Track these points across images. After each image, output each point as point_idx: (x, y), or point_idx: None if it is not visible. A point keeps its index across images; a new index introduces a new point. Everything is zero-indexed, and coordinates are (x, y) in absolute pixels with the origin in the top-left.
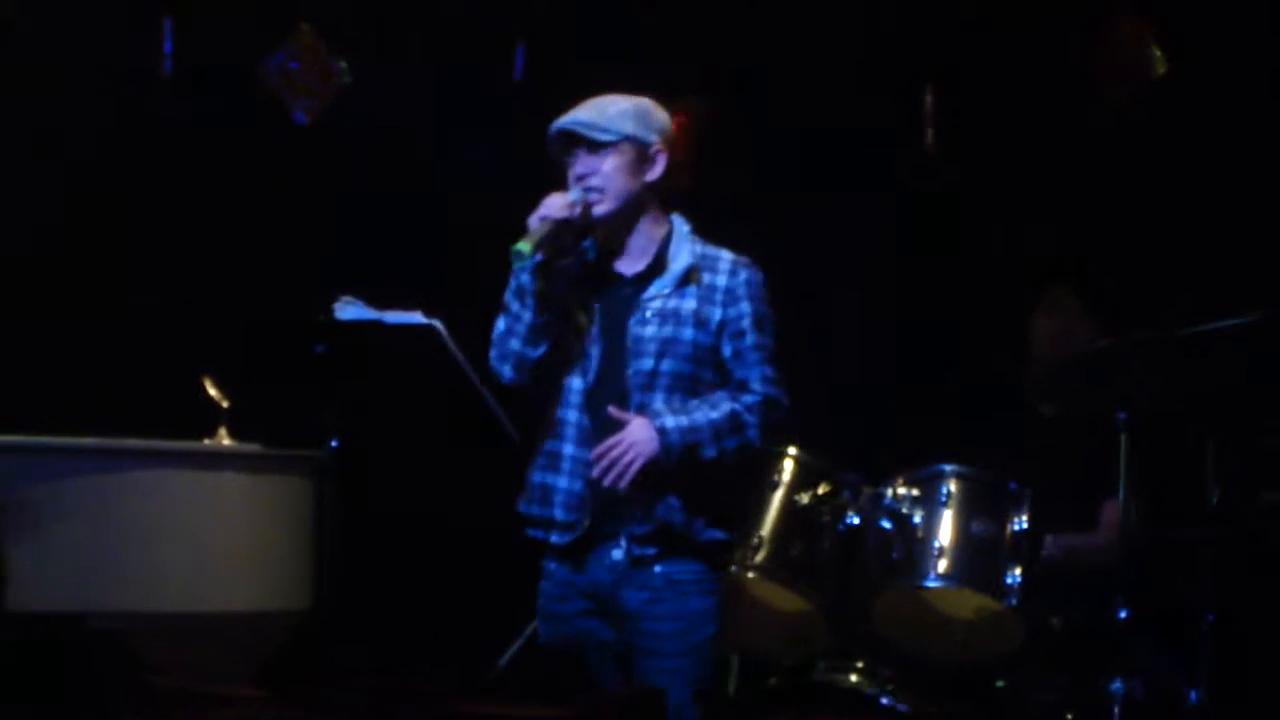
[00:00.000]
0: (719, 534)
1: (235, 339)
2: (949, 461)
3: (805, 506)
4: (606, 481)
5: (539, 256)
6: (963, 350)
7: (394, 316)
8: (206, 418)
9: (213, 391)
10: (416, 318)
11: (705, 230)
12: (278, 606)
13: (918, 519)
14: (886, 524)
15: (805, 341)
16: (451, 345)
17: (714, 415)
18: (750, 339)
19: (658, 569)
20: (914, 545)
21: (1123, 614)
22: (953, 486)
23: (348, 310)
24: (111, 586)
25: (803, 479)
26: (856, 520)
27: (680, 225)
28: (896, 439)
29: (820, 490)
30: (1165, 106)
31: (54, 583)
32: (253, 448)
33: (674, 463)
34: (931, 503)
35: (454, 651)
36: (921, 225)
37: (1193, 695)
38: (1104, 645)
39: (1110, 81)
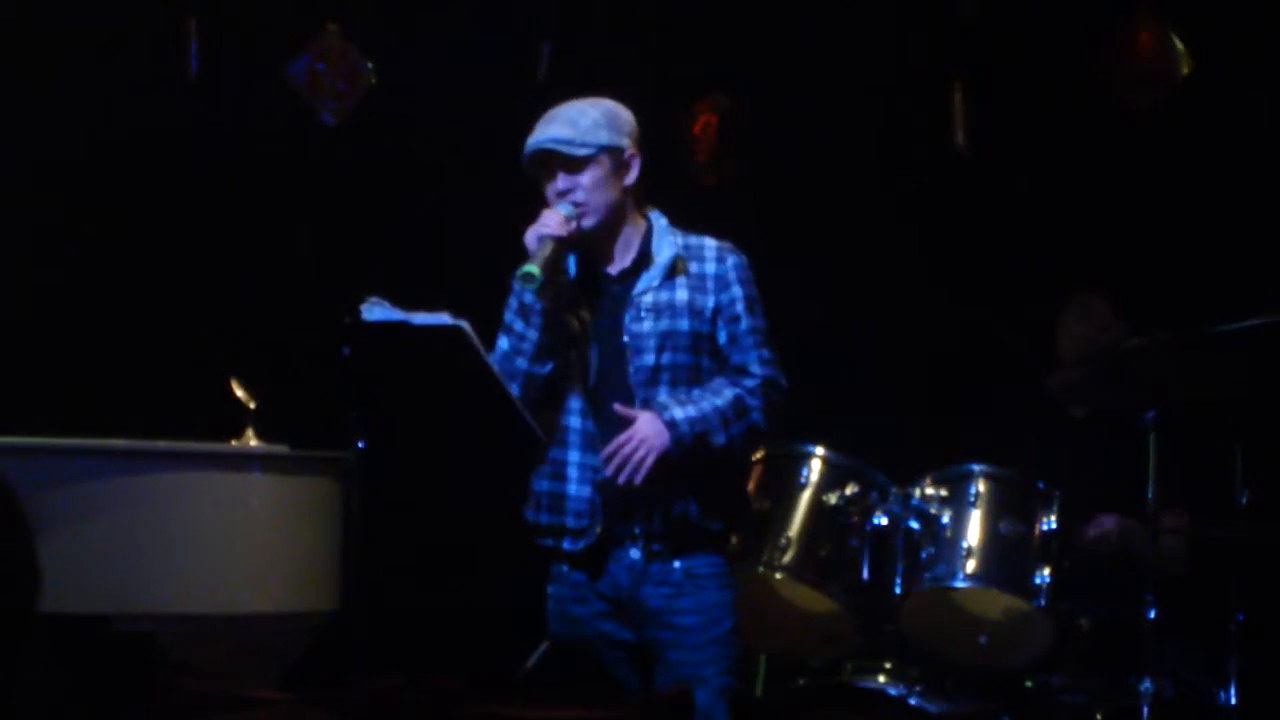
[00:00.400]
0: (719, 524)
1: (262, 340)
2: (977, 461)
3: (833, 507)
4: (621, 479)
5: (543, 277)
6: (991, 350)
7: (421, 318)
8: (234, 419)
9: (240, 393)
10: (443, 319)
11: (734, 230)
12: (305, 608)
13: (946, 519)
14: (914, 524)
15: (833, 341)
16: (479, 346)
17: (718, 402)
18: (745, 323)
19: (676, 564)
20: (942, 545)
21: (1151, 614)
22: (981, 486)
23: (374, 311)
24: (139, 588)
25: (830, 479)
26: (884, 520)
27: (658, 219)
28: (924, 439)
29: (848, 490)
30: (1191, 106)
31: (82, 585)
32: (280, 449)
33: (685, 454)
34: (960, 503)
35: (481, 653)
36: (951, 225)
37: (1222, 695)
38: (1133, 645)
39: (1134, 85)
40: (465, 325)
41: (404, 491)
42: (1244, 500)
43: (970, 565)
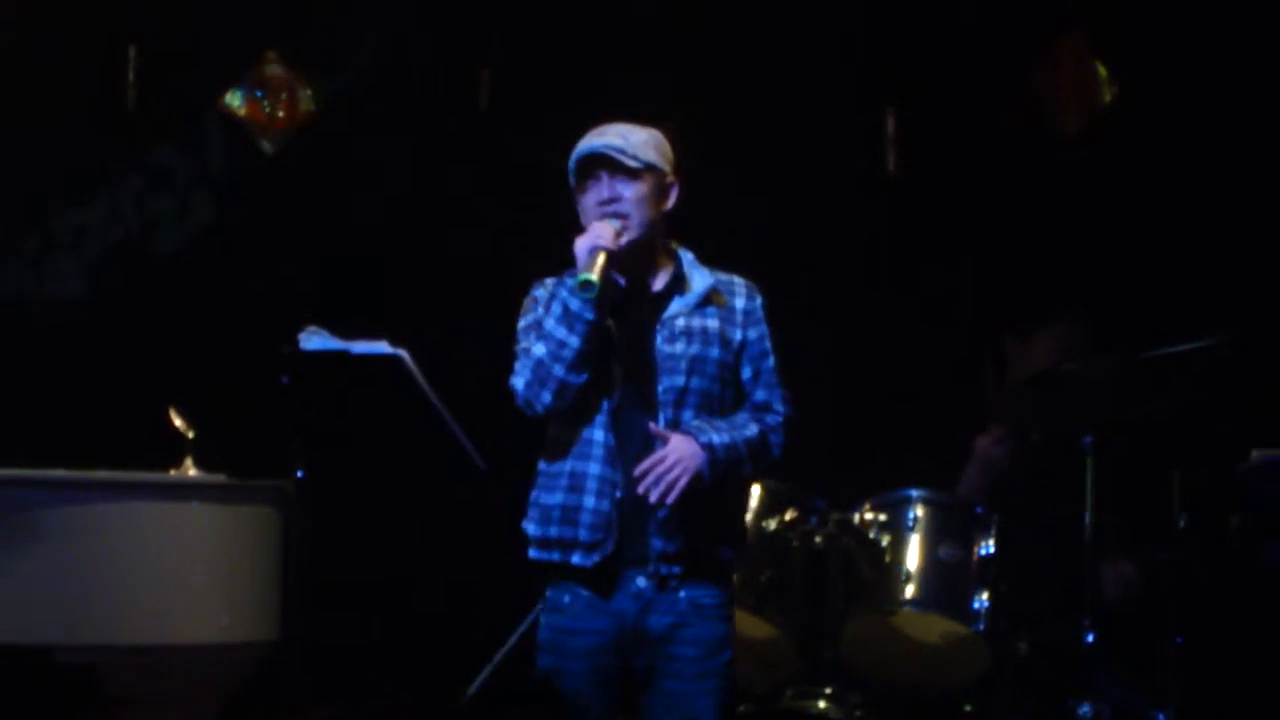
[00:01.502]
0: (729, 555)
1: (201, 369)
2: (915, 486)
3: (773, 533)
4: (654, 496)
5: (600, 286)
6: (931, 376)
7: (360, 346)
8: (173, 448)
9: (178, 422)
10: (382, 347)
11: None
12: (245, 638)
13: (885, 544)
14: (854, 549)
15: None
16: (417, 374)
17: (749, 434)
18: (770, 361)
19: (682, 594)
20: (881, 570)
21: (1090, 637)
22: (919, 511)
23: (313, 340)
24: (79, 619)
25: (770, 505)
26: (824, 546)
27: (686, 254)
28: (863, 464)
29: (787, 516)
30: (1122, 131)
31: (21, 616)
32: (219, 478)
33: (714, 479)
34: (898, 528)
35: (420, 681)
36: (891, 248)
37: (1160, 718)
38: (1071, 669)
39: (1060, 111)
40: (404, 354)
41: (344, 520)
42: (1182, 523)
43: (909, 590)
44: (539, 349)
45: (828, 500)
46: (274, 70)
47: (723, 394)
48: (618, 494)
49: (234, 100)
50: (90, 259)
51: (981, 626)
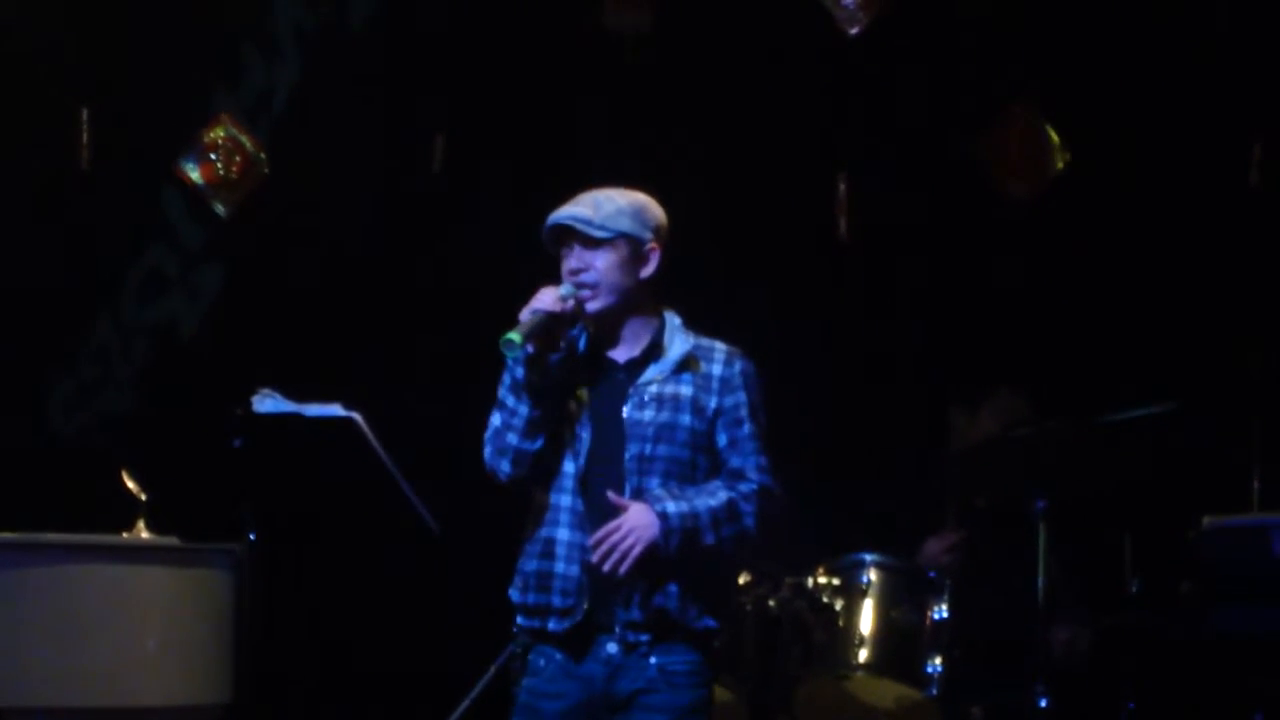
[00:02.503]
0: (712, 622)
1: (153, 432)
2: (869, 550)
3: None
4: (606, 567)
5: (529, 348)
6: (885, 438)
7: (313, 409)
8: (125, 511)
9: (131, 485)
10: (336, 410)
11: None
12: (197, 700)
13: (838, 607)
14: (808, 612)
15: None
16: (371, 437)
17: (712, 503)
18: (747, 428)
19: (652, 660)
20: (835, 634)
21: (1043, 702)
22: (873, 575)
23: (266, 403)
24: (30, 681)
25: None
26: (777, 609)
27: (672, 319)
28: (816, 528)
29: (741, 580)
30: (1073, 198)
31: None
32: (171, 541)
33: (673, 549)
34: (852, 591)
35: None
36: (846, 315)
37: None
38: None
39: (1011, 177)
40: (357, 416)
41: (296, 583)
42: (1135, 589)
43: (863, 654)
44: (495, 418)
45: (781, 563)
46: (226, 132)
47: (694, 460)
48: (587, 558)
49: (187, 163)
50: None
51: (935, 691)
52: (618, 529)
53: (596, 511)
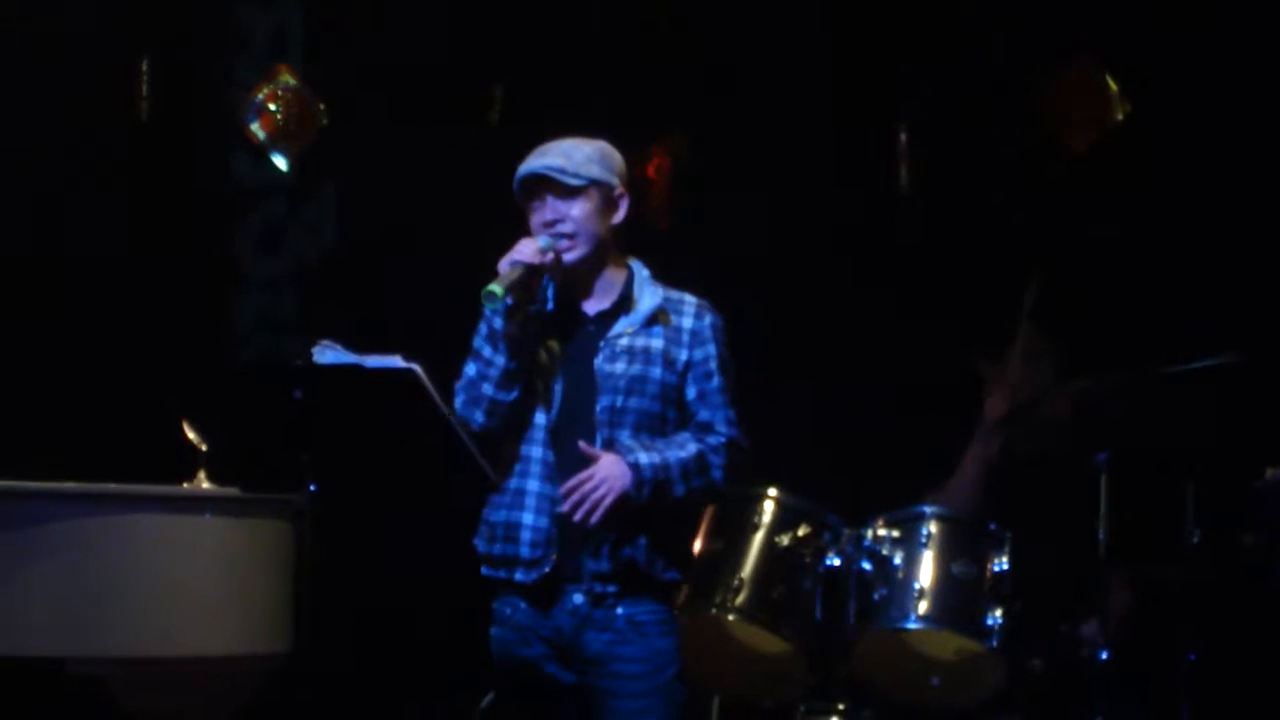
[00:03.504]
0: (675, 574)
1: (215, 383)
2: (929, 503)
3: (786, 548)
4: (577, 516)
5: (510, 300)
6: (942, 391)
7: (373, 360)
8: (186, 462)
9: (191, 435)
10: (396, 361)
11: (680, 272)
12: (256, 650)
13: (898, 560)
14: (867, 565)
15: (787, 383)
16: (431, 388)
17: (682, 454)
18: (716, 381)
19: (620, 610)
20: (894, 587)
21: (1103, 655)
22: (933, 528)
23: (327, 354)
24: (90, 631)
25: (783, 521)
26: (837, 562)
27: (640, 269)
28: (877, 480)
29: (801, 532)
30: (1136, 147)
31: (32, 628)
32: (231, 491)
33: (643, 500)
34: (912, 544)
35: (431, 696)
36: (903, 264)
37: None
38: (1085, 687)
39: (1072, 127)
40: (417, 368)
41: (356, 534)
42: (1194, 540)
43: (922, 607)
44: (470, 368)
45: (841, 516)
46: (288, 83)
47: (664, 413)
48: (557, 510)
49: (248, 113)
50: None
51: (995, 643)
52: (589, 479)
53: (567, 463)
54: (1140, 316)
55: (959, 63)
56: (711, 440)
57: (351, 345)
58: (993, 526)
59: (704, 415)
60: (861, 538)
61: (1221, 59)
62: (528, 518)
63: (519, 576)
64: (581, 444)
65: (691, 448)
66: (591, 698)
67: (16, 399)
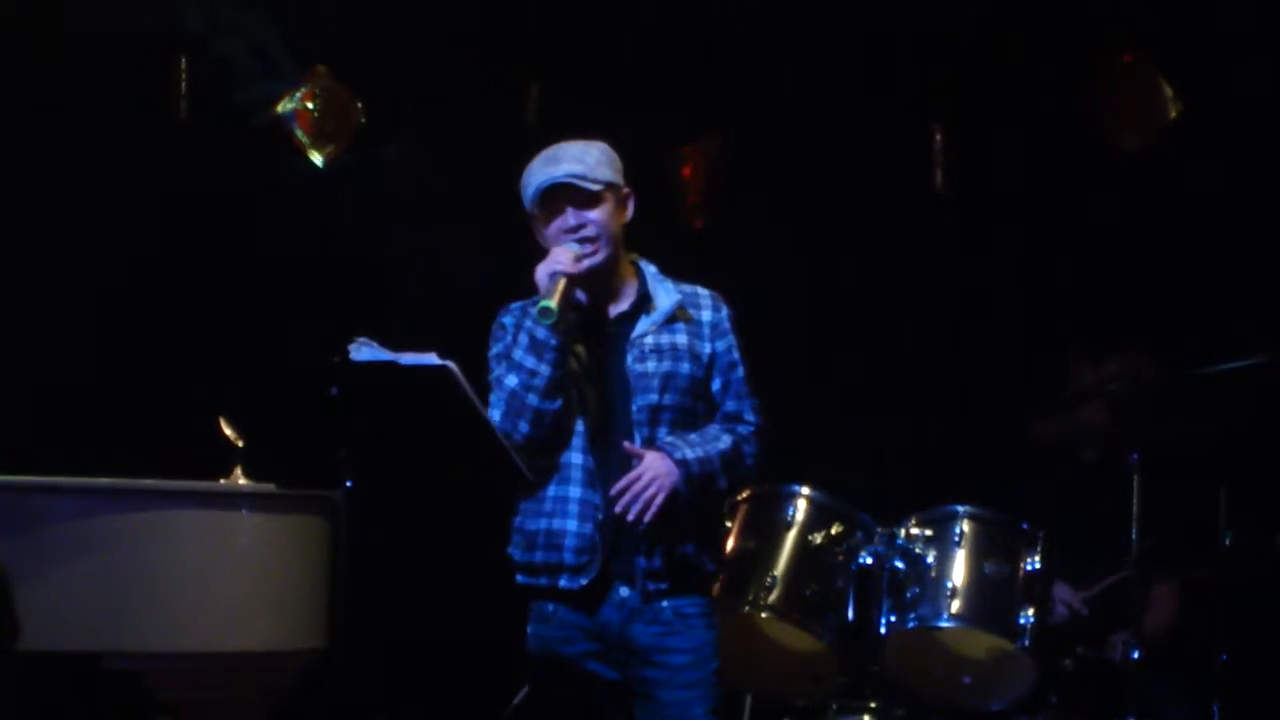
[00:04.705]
0: (713, 565)
1: (251, 379)
2: (962, 502)
3: (819, 546)
4: (630, 516)
5: (559, 312)
6: (980, 392)
7: (409, 358)
8: (222, 458)
9: (228, 432)
10: (431, 359)
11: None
12: (292, 645)
13: (931, 559)
14: (900, 564)
15: (820, 382)
16: (466, 386)
17: (721, 447)
18: (740, 371)
19: (665, 604)
20: (927, 585)
21: (1135, 654)
22: (966, 527)
23: (363, 351)
24: (128, 626)
25: (816, 519)
26: (870, 560)
27: (647, 266)
28: (909, 479)
29: (834, 530)
30: (1181, 148)
31: (71, 623)
32: (268, 488)
33: (691, 494)
34: (944, 543)
35: (466, 692)
36: (939, 265)
37: None
38: (1116, 686)
39: (1124, 128)
40: (452, 365)
41: (391, 530)
42: (1227, 541)
43: (955, 605)
44: (511, 380)
45: (874, 515)
46: (325, 83)
47: (694, 407)
48: (599, 516)
49: (285, 112)
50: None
51: (1027, 642)
52: (639, 478)
53: (608, 467)
54: (1177, 315)
55: (995, 63)
56: (742, 429)
57: (387, 343)
58: (1025, 526)
59: (731, 405)
60: (894, 536)
61: (1272, 53)
62: (571, 524)
63: (563, 583)
64: (626, 444)
65: (726, 439)
66: (635, 692)
67: (56, 394)
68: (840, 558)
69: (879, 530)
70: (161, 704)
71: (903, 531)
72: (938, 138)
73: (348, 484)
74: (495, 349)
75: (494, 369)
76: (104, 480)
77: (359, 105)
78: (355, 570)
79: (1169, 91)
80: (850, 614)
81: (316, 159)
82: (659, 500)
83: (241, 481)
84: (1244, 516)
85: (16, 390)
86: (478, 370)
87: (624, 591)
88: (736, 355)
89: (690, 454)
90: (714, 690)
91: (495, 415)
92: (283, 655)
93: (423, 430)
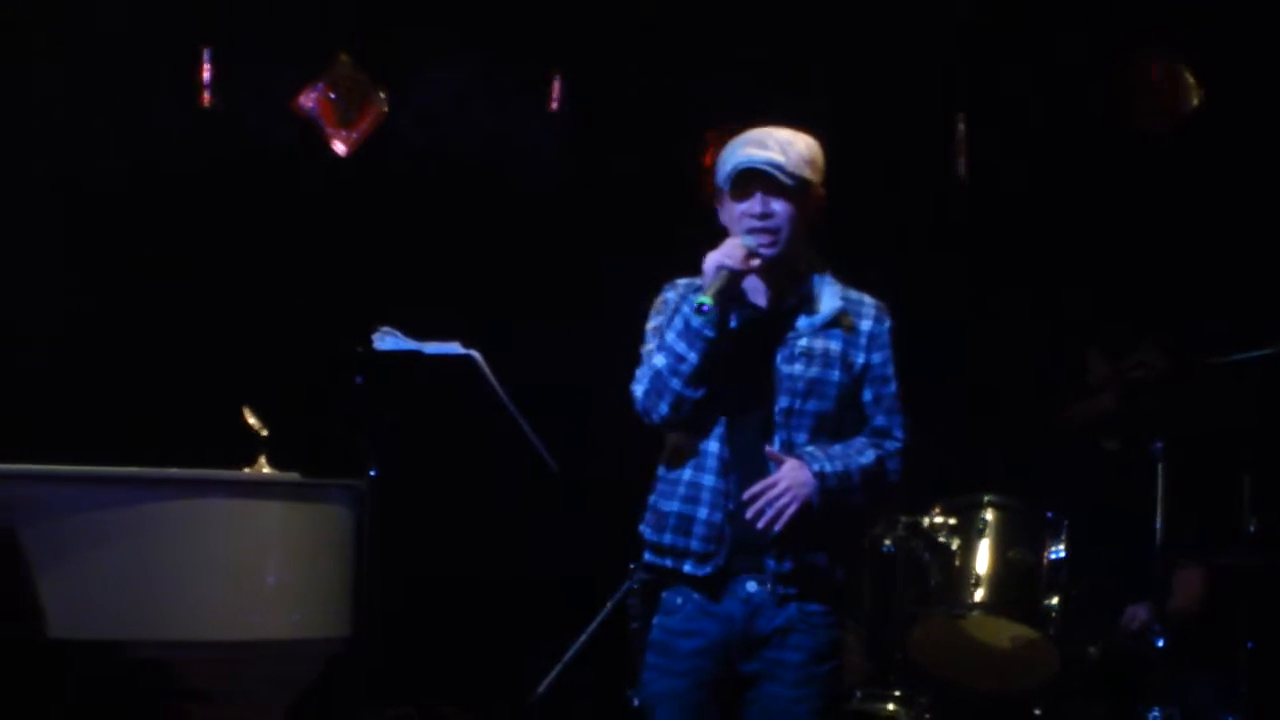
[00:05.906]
0: (844, 574)
1: (275, 369)
2: (986, 490)
3: None
4: (760, 524)
5: (717, 307)
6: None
7: (432, 347)
8: (247, 447)
9: (253, 421)
10: (454, 348)
11: None
12: (318, 634)
13: (955, 547)
14: (924, 552)
15: None
16: (489, 375)
17: (863, 461)
18: (893, 387)
19: (793, 606)
20: (951, 573)
21: (1160, 642)
22: (990, 515)
23: (386, 341)
24: (153, 615)
25: None
26: (894, 548)
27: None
28: (933, 467)
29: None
30: (1203, 135)
31: (95, 611)
32: (292, 476)
33: (824, 507)
34: (969, 531)
35: (490, 680)
36: (966, 253)
37: None
38: (1141, 673)
39: (1145, 116)
40: (476, 355)
41: (416, 519)
42: (1252, 529)
43: (979, 593)
44: (659, 360)
45: (897, 503)
46: (347, 71)
47: (841, 416)
48: (730, 506)
49: (307, 101)
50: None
51: (1051, 630)
52: (774, 486)
53: (742, 460)
54: (1197, 305)
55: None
56: (889, 446)
57: (410, 332)
58: (1049, 514)
59: (880, 421)
60: (918, 524)
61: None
62: (702, 512)
63: (688, 568)
64: (767, 448)
65: (870, 454)
66: (747, 687)
67: (81, 383)
68: (864, 546)
69: (903, 518)
70: (188, 692)
71: (926, 520)
72: (960, 127)
73: (372, 473)
74: (653, 321)
75: (647, 340)
76: (130, 469)
77: (381, 94)
78: (380, 559)
79: (1191, 80)
80: (874, 602)
81: (338, 147)
82: (791, 510)
83: (266, 471)
84: (1268, 504)
85: (41, 380)
86: (501, 359)
87: (751, 586)
88: (891, 370)
89: (829, 467)
90: (826, 689)
91: (638, 390)
92: (308, 644)
93: (447, 419)
